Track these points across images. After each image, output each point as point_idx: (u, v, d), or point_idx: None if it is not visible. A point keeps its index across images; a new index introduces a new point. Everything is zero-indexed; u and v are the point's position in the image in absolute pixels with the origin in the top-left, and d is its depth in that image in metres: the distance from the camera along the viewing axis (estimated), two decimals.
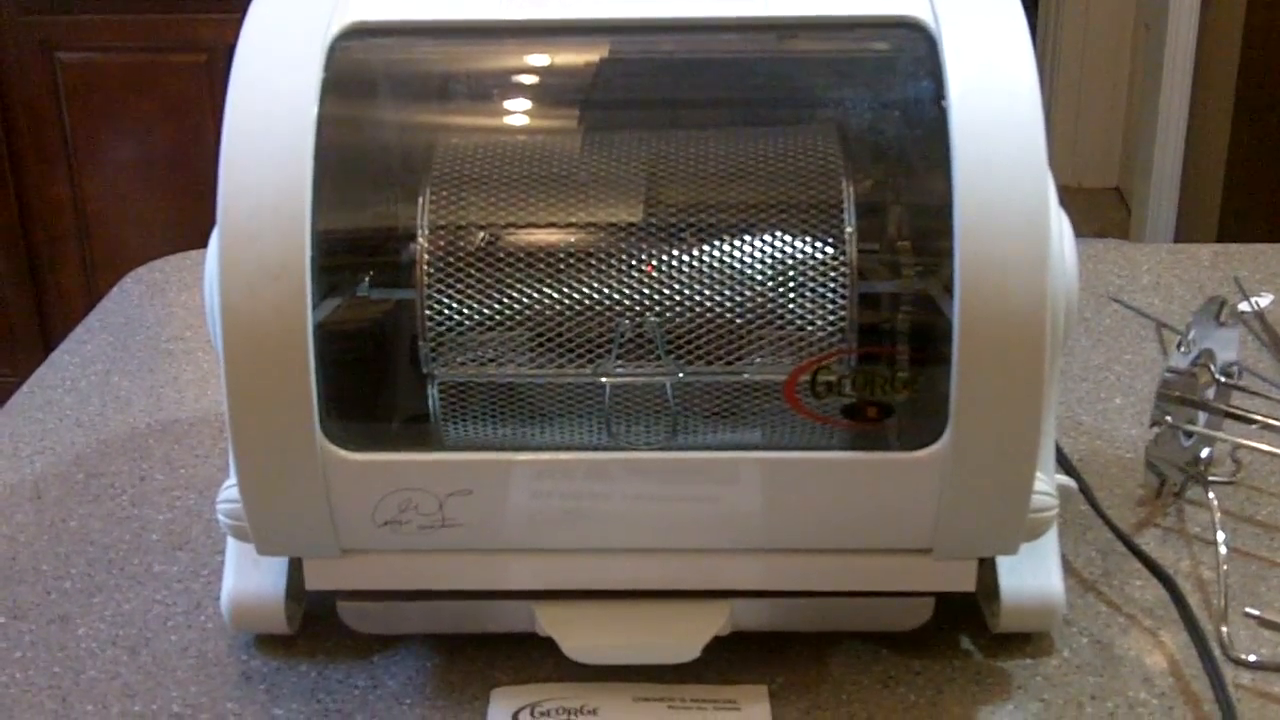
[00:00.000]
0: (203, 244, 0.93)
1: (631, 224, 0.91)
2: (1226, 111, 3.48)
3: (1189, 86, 3.74)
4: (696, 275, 0.89)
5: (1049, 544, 0.96)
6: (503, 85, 1.04)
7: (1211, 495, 1.08)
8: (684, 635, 0.94)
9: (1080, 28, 4.46)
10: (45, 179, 3.08)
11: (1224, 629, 0.98)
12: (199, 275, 1.00)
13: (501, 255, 0.91)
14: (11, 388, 1.37)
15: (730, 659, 0.96)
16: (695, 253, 0.90)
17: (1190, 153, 3.78)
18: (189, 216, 2.99)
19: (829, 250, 0.90)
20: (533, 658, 0.97)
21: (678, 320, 0.89)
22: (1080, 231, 0.93)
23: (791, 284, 0.89)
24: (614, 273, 0.90)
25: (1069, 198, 0.89)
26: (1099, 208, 4.43)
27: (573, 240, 0.91)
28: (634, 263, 0.90)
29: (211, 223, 0.87)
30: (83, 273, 3.16)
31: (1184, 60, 3.71)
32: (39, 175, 3.08)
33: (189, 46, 2.98)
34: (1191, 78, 3.73)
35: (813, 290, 0.89)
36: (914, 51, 0.91)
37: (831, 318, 0.89)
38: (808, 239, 0.90)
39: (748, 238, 0.90)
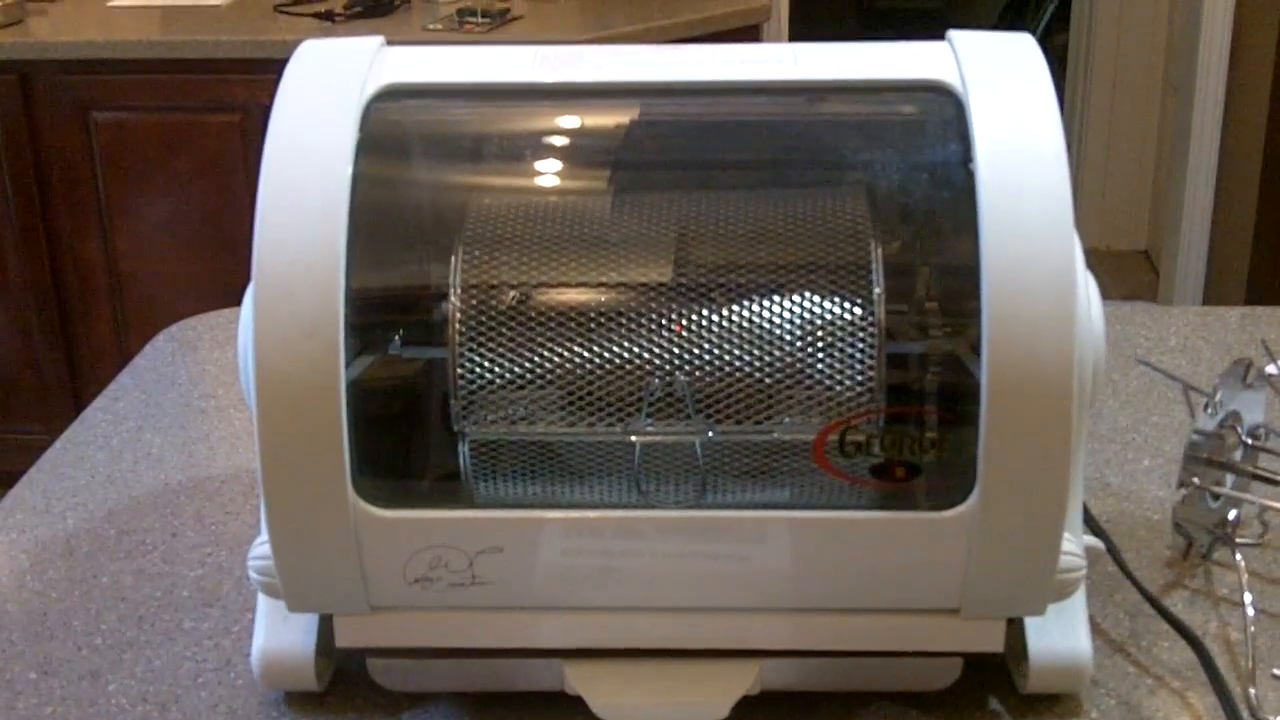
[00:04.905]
0: (235, 303, 0.94)
1: (661, 284, 0.92)
2: (1255, 174, 3.48)
3: (1217, 149, 3.74)
4: (726, 335, 0.90)
5: (1077, 605, 0.96)
6: (534, 147, 1.05)
7: (1239, 557, 1.08)
8: (713, 694, 0.94)
9: (1109, 91, 4.48)
10: (78, 237, 3.11)
11: (1251, 690, 0.98)
12: (231, 333, 1.01)
13: (533, 315, 0.91)
14: (43, 444, 1.38)
15: (759, 719, 0.96)
16: (725, 313, 0.90)
17: (1218, 215, 3.79)
18: (221, 275, 3.01)
19: (858, 311, 0.90)
20: (561, 716, 0.97)
21: (707, 380, 0.90)
22: (1109, 294, 0.93)
23: (820, 344, 0.90)
24: (644, 332, 0.90)
25: (1097, 261, 0.89)
26: (1127, 271, 4.43)
27: (603, 300, 0.92)
28: (664, 322, 0.90)
29: (245, 281, 0.88)
30: (114, 330, 3.18)
31: (1212, 123, 3.72)
32: (72, 233, 3.11)
33: (223, 106, 3.00)
34: (1219, 140, 3.73)
35: (841, 351, 0.90)
36: (941, 115, 0.92)
37: (860, 378, 0.90)
38: (836, 300, 0.90)
39: (777, 298, 0.91)
